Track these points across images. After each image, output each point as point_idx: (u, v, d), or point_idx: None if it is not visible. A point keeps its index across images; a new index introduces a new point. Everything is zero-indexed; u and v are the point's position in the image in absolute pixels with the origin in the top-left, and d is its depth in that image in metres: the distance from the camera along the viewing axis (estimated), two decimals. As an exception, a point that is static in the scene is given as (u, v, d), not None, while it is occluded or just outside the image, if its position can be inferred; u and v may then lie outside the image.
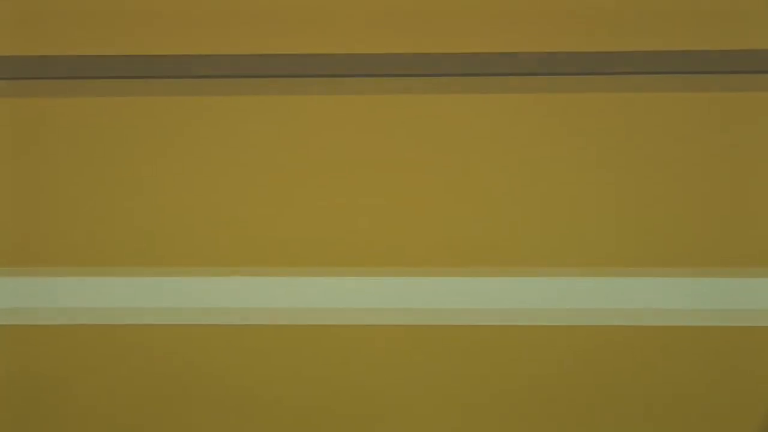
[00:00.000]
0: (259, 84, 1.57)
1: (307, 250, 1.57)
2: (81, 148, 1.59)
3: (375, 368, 1.56)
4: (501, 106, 1.55)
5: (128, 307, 1.57)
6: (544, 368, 1.55)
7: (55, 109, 1.59)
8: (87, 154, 1.59)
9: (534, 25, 1.55)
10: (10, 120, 1.59)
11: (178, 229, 1.57)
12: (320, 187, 1.57)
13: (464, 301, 1.55)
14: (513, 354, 1.54)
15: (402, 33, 1.56)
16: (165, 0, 1.58)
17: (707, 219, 1.53)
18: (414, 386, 1.56)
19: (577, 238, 1.54)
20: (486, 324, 1.55)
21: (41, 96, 1.59)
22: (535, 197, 1.55)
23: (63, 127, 1.59)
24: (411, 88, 1.56)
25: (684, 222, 1.53)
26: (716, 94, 1.53)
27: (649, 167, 1.54)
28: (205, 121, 1.58)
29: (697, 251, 1.53)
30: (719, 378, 1.53)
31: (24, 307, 1.58)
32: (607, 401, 1.54)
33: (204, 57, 1.57)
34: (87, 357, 1.58)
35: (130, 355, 1.58)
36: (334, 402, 1.57)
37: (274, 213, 1.57)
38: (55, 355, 1.58)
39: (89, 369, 1.58)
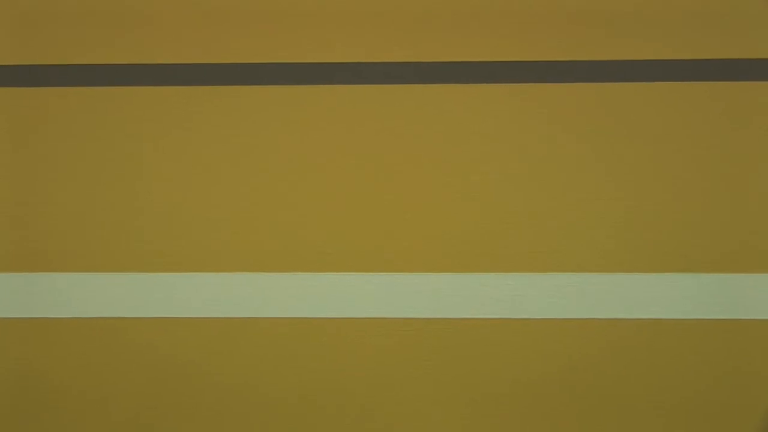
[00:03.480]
0: (260, 88, 1.58)
1: (307, 250, 1.57)
2: (81, 145, 1.59)
3: (375, 365, 1.56)
4: (500, 108, 1.56)
5: (127, 303, 1.57)
6: (545, 366, 1.55)
7: (56, 108, 1.59)
8: (86, 152, 1.59)
9: (533, 33, 1.56)
10: (10, 119, 1.59)
11: (180, 226, 1.58)
12: (322, 187, 1.57)
13: (463, 299, 1.55)
14: (514, 350, 1.55)
15: (401, 38, 1.57)
16: (167, 3, 1.59)
17: (707, 218, 1.54)
18: (414, 385, 1.56)
19: (576, 237, 1.55)
20: (486, 319, 1.55)
21: (41, 97, 1.59)
22: (536, 198, 1.55)
23: (62, 126, 1.59)
24: (411, 92, 1.56)
25: (685, 221, 1.54)
26: (716, 95, 1.54)
27: (649, 167, 1.55)
28: (204, 123, 1.58)
29: (697, 249, 1.53)
30: (720, 376, 1.53)
31: (22, 302, 1.58)
32: (608, 399, 1.55)
33: (202, 64, 1.58)
34: (86, 352, 1.58)
35: (128, 351, 1.58)
36: (334, 399, 1.57)
37: (275, 213, 1.57)
38: (54, 349, 1.58)
39: (88, 364, 1.59)
